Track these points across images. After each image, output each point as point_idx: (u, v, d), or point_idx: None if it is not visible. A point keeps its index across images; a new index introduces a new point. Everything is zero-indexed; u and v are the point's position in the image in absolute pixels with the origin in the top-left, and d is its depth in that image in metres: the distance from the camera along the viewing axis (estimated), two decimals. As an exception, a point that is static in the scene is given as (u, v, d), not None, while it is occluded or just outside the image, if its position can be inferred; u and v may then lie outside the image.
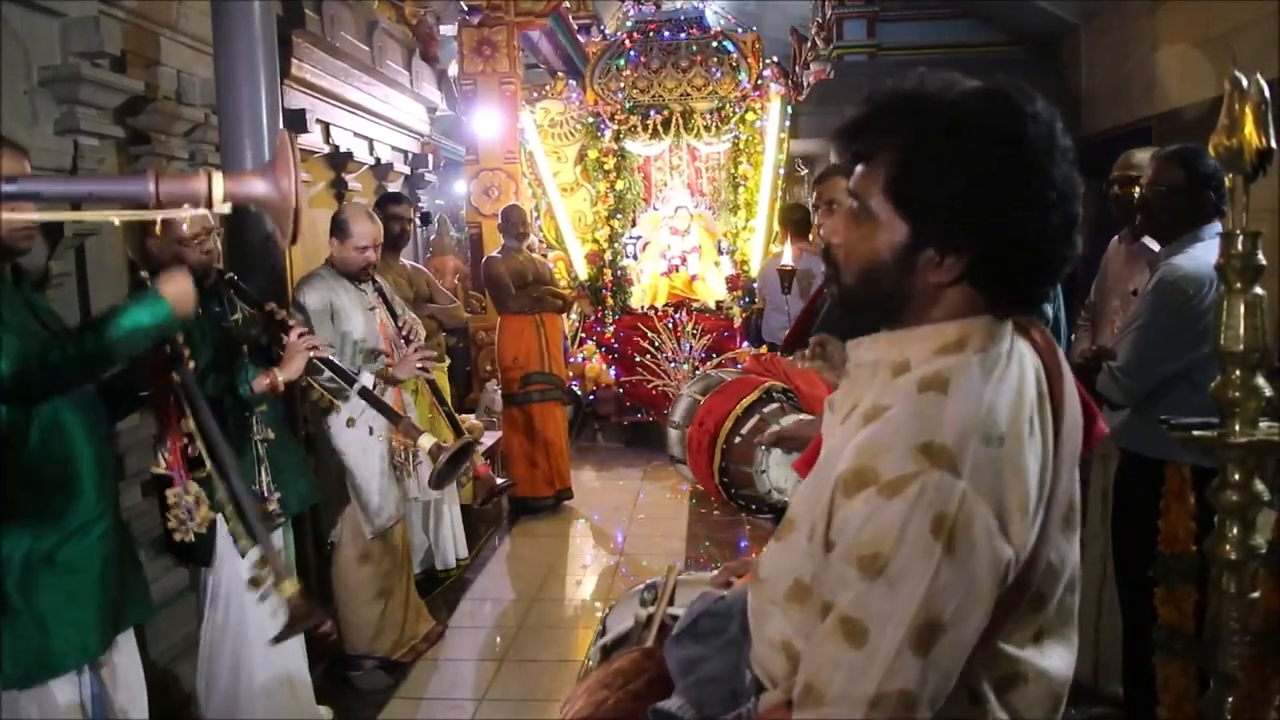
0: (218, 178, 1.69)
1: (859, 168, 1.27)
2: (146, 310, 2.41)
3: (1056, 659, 1.27)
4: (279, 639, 2.72)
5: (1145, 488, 2.75)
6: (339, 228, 4.05)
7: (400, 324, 4.13)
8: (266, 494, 3.21)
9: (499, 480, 4.30)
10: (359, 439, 3.99)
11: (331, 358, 3.53)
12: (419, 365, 3.98)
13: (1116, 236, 3.86)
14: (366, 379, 3.72)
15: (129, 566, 2.64)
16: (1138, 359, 2.99)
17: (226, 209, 1.72)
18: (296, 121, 4.83)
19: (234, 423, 3.18)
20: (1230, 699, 2.06)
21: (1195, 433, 2.14)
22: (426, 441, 3.67)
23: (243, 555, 2.77)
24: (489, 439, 6.58)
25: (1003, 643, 1.21)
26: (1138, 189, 3.62)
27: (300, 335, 3.28)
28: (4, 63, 3.14)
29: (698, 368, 8.06)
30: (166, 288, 2.46)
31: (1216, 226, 2.97)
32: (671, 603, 1.80)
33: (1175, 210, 3.05)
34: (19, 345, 2.20)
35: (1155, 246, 3.52)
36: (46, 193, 1.74)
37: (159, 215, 1.71)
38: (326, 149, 5.63)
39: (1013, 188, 1.17)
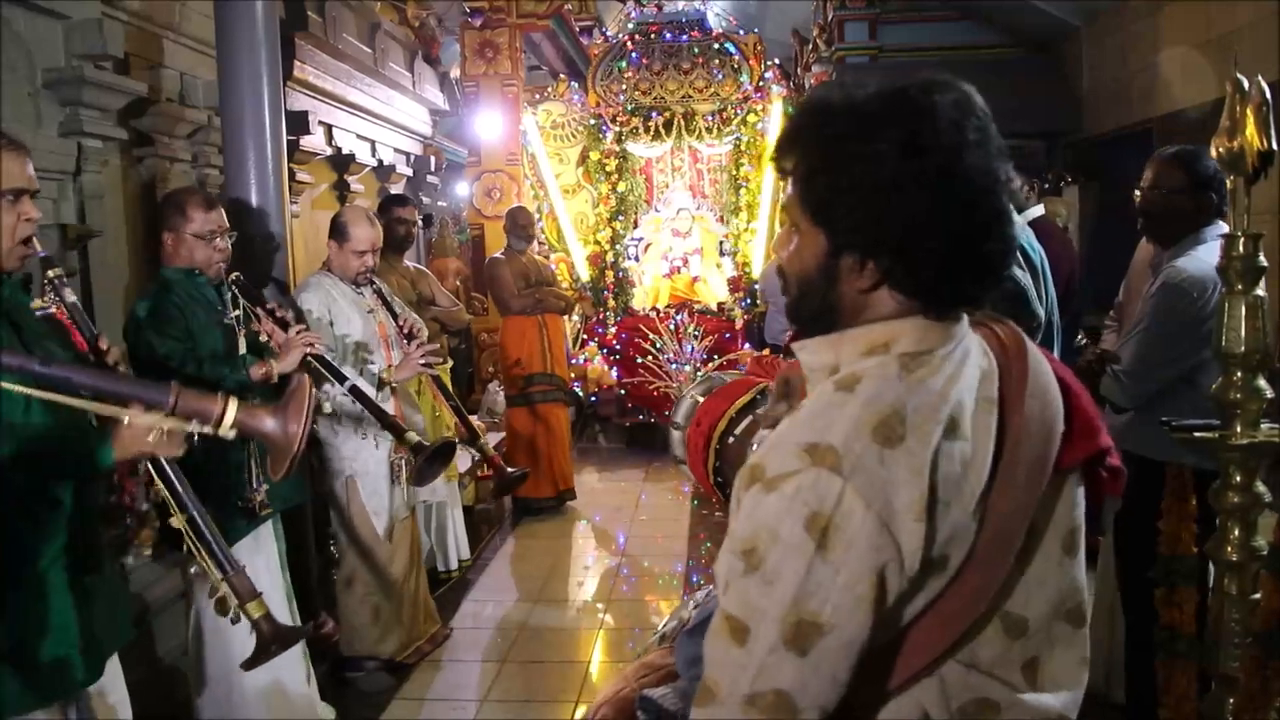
0: (233, 405, 1.76)
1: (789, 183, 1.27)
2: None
3: (1049, 697, 1.23)
4: (250, 664, 2.66)
5: (1146, 490, 2.76)
6: (338, 231, 4.02)
7: (401, 323, 4.11)
8: (255, 485, 3.21)
9: (510, 470, 4.29)
10: (365, 444, 3.99)
11: (326, 356, 3.54)
12: (422, 362, 3.98)
13: (1145, 238, 3.86)
14: (367, 383, 3.74)
15: (112, 586, 2.50)
16: (1140, 361, 2.99)
17: (231, 435, 1.78)
18: (299, 123, 4.84)
19: None
20: (1231, 700, 2.07)
21: (1196, 434, 2.15)
22: (411, 439, 3.67)
23: (209, 579, 2.63)
24: (491, 439, 6.58)
25: (968, 665, 1.19)
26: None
27: (298, 332, 3.33)
28: (8, 65, 3.15)
29: (699, 369, 8.07)
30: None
31: (1219, 228, 2.96)
32: None
33: (1176, 212, 3.05)
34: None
35: None
36: (76, 380, 1.79)
37: (167, 424, 1.77)
38: (329, 151, 5.64)
39: (912, 187, 1.14)
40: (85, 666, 2.32)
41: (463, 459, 5.79)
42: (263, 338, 3.30)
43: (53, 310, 2.35)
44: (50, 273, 2.33)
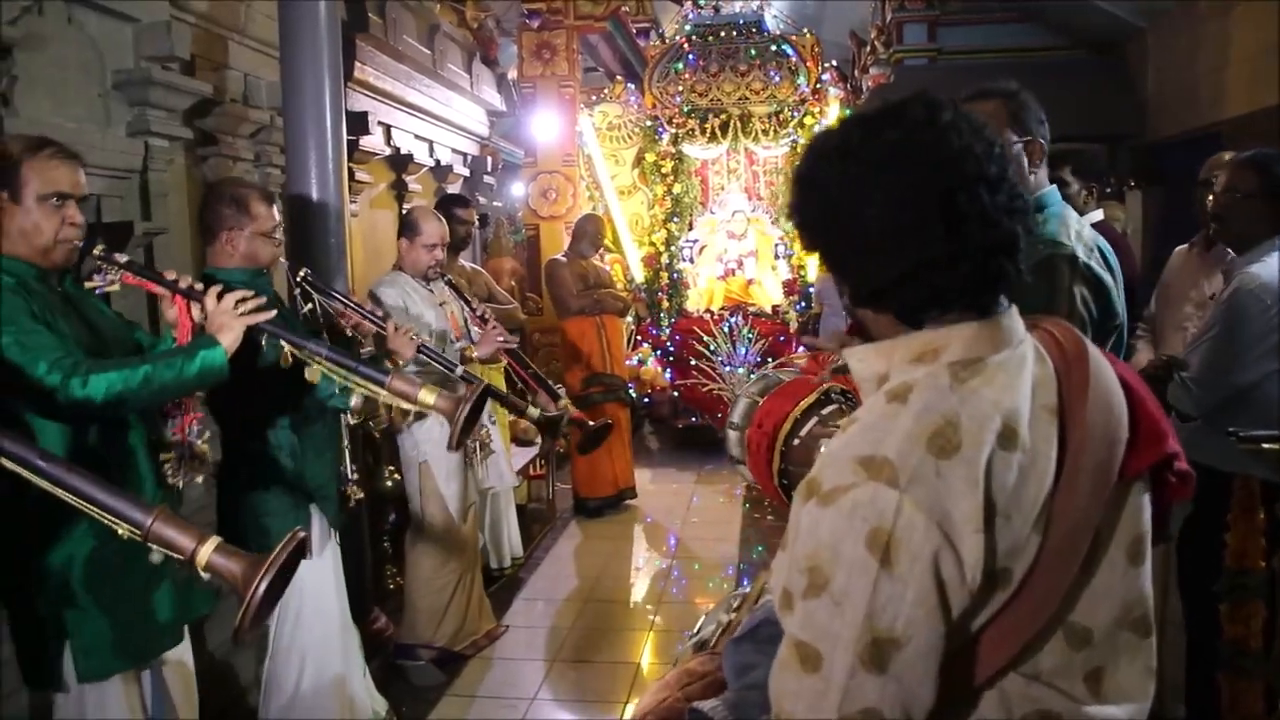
0: (208, 545, 1.77)
1: None
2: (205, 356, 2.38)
3: (1114, 709, 1.20)
4: (455, 445, 2.66)
5: (1212, 501, 2.69)
6: (409, 227, 4.24)
7: (475, 307, 4.40)
8: (350, 477, 3.29)
9: (592, 424, 4.57)
10: (434, 429, 4.07)
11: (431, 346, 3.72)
12: (500, 338, 4.26)
13: (1187, 244, 3.78)
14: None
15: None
16: (1210, 369, 2.92)
17: (204, 577, 1.79)
18: (359, 124, 4.89)
19: (330, 413, 3.26)
20: (1300, 719, 2.01)
21: (1265, 445, 2.10)
22: (535, 412, 4.04)
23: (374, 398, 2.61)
24: (540, 443, 6.60)
25: (1030, 677, 1.17)
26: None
27: (398, 328, 3.47)
28: (80, 67, 3.22)
29: (753, 372, 8.03)
30: (225, 337, 2.42)
31: (1293, 235, 2.90)
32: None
33: (1250, 217, 2.98)
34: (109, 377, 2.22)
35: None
36: (67, 481, 1.83)
37: (153, 547, 1.80)
38: (388, 151, 5.69)
39: (830, 226, 1.22)
40: (169, 630, 2.49)
41: (516, 458, 5.83)
42: (349, 333, 3.35)
43: (112, 286, 2.43)
44: (96, 250, 2.41)
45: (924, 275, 1.16)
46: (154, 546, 1.79)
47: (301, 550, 1.84)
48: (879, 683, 1.06)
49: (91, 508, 1.81)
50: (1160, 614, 3.31)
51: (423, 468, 4.12)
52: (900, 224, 1.15)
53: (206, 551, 1.77)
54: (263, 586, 1.73)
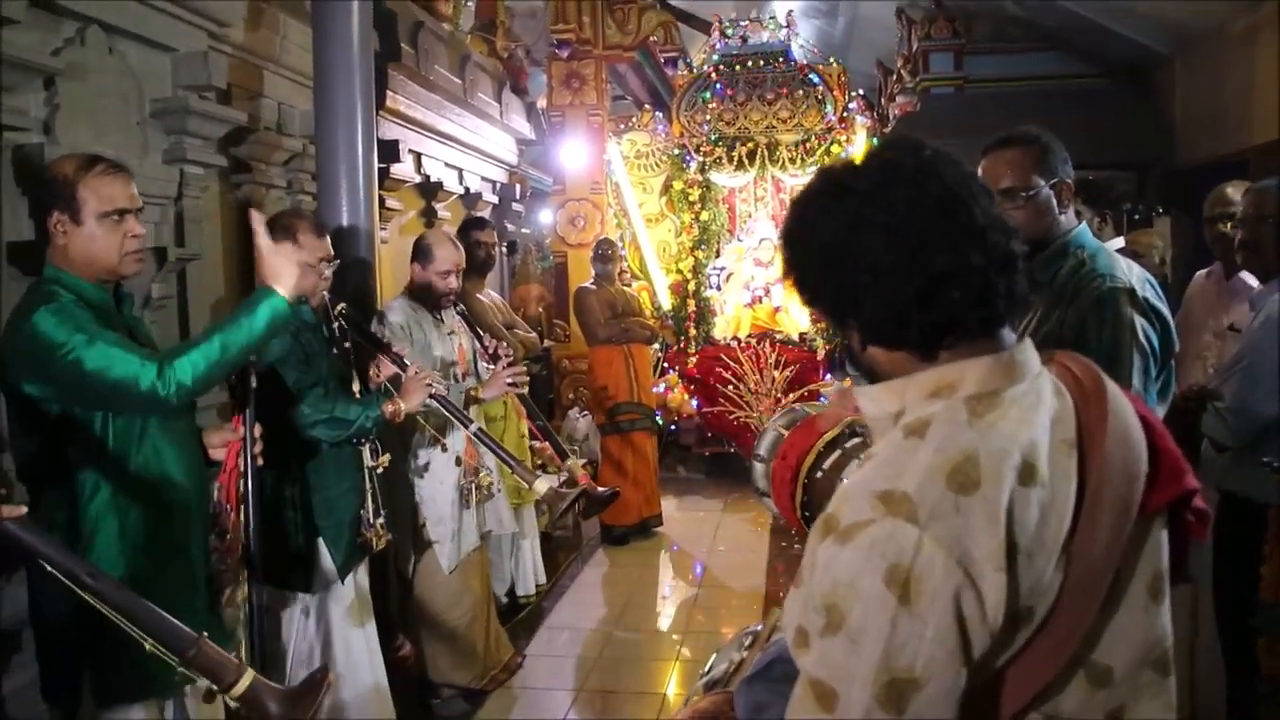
0: (248, 676, 1.86)
1: None
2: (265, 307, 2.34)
3: None
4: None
5: (1248, 533, 2.66)
6: (423, 253, 4.07)
7: (486, 343, 4.16)
8: (371, 521, 3.24)
9: (600, 490, 4.18)
10: (434, 471, 3.98)
11: (447, 396, 3.55)
12: (509, 381, 3.99)
13: (1205, 272, 3.76)
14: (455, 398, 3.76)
15: (210, 584, 2.62)
16: (1246, 399, 2.88)
17: (233, 705, 1.86)
18: (390, 152, 4.94)
19: (350, 450, 3.26)
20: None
21: (1302, 476, 2.07)
22: (542, 486, 3.67)
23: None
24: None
25: (1050, 717, 1.15)
26: (1228, 224, 3.55)
27: (418, 372, 3.36)
28: (120, 96, 3.27)
29: (780, 399, 8.01)
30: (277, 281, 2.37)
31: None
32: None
33: (1277, 244, 2.97)
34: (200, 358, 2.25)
35: (1255, 282, 3.42)
36: (110, 596, 1.89)
37: (182, 669, 1.88)
38: (418, 178, 5.74)
39: (832, 263, 1.20)
40: None
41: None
42: (372, 374, 3.28)
43: None
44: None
45: (933, 295, 1.15)
46: None
47: (326, 684, 1.94)
48: None
49: (134, 627, 1.86)
50: (1189, 649, 3.26)
51: (414, 510, 3.96)
52: (904, 243, 1.15)
53: (244, 685, 1.85)
54: None
